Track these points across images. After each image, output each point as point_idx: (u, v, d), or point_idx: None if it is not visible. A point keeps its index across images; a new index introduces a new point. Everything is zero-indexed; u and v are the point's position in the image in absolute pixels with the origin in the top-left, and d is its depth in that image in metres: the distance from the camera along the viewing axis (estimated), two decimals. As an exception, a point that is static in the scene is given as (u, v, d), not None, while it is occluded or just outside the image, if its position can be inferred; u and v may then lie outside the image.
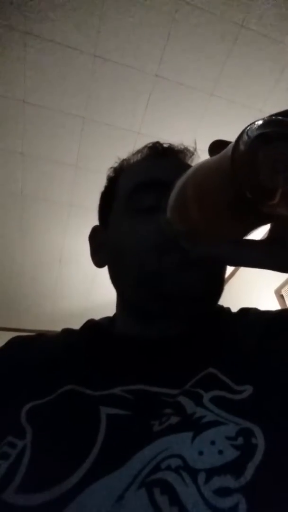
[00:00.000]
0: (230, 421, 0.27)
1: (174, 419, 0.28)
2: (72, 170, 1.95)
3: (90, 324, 0.46)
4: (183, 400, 0.30)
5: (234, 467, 0.24)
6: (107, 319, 0.49)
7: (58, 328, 0.49)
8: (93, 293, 2.81)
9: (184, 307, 0.38)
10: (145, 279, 0.38)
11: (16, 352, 0.43)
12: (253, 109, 1.72)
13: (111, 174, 0.50)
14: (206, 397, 0.30)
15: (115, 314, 0.48)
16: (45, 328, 2.96)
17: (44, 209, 2.16)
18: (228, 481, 0.23)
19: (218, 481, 0.23)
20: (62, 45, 1.44)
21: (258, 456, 0.25)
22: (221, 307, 0.46)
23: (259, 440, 0.26)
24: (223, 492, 0.23)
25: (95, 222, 0.52)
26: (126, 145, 1.65)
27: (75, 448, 0.28)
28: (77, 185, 2.02)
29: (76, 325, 0.47)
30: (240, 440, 0.26)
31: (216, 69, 1.56)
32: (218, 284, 0.41)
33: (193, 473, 0.24)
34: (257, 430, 0.26)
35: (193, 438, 0.26)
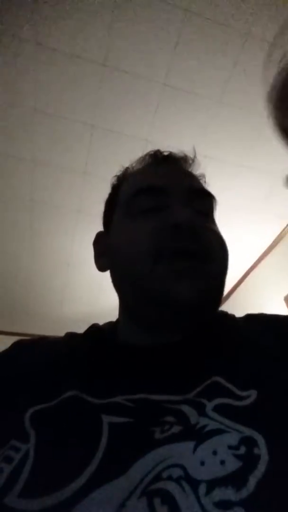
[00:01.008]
0: (233, 429, 0.27)
1: (176, 428, 0.28)
2: (80, 177, 1.97)
3: (94, 330, 0.46)
4: (186, 409, 0.30)
5: (236, 479, 0.24)
6: (110, 324, 0.49)
7: (64, 332, 0.49)
8: (101, 298, 2.81)
9: (180, 316, 0.37)
10: (138, 286, 0.38)
11: (20, 356, 0.44)
12: (263, 116, 1.72)
13: (115, 182, 0.51)
14: (210, 406, 0.29)
15: (118, 319, 0.48)
16: (52, 333, 2.96)
17: (53, 215, 2.19)
18: (229, 493, 0.23)
19: (219, 493, 0.23)
20: (72, 55, 1.47)
21: (260, 468, 0.24)
22: (225, 313, 0.46)
23: (262, 450, 0.25)
24: (223, 505, 0.22)
25: (102, 228, 0.53)
26: (134, 153, 1.67)
27: (78, 454, 0.28)
28: (86, 192, 2.04)
29: (83, 330, 0.48)
30: (242, 450, 0.25)
31: (223, 76, 1.57)
32: (214, 294, 0.39)
33: (194, 483, 0.24)
34: (260, 439, 0.26)
35: (195, 447, 0.26)
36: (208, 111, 1.70)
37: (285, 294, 2.29)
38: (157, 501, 0.23)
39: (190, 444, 0.26)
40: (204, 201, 0.44)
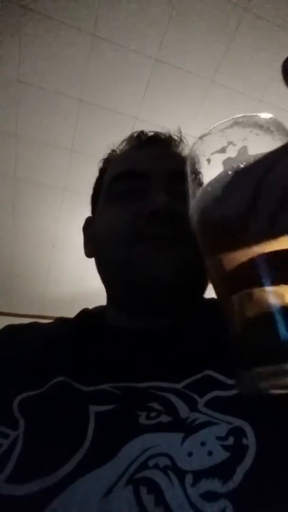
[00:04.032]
0: (222, 421, 0.27)
1: (165, 418, 0.28)
2: (67, 154, 1.91)
3: (83, 314, 0.46)
4: (174, 399, 0.30)
5: (223, 470, 0.24)
6: (100, 309, 0.49)
7: (49, 312, 0.49)
8: (86, 278, 2.80)
9: (159, 296, 0.37)
10: (116, 271, 0.39)
11: (8, 342, 0.43)
12: (254, 100, 1.70)
13: (101, 166, 0.51)
14: (201, 402, 0.29)
15: (107, 304, 0.48)
16: (36, 313, 2.95)
17: (38, 193, 2.12)
18: (215, 485, 0.23)
19: (205, 484, 0.23)
20: (60, 21, 1.38)
21: (248, 460, 0.24)
22: (216, 301, 0.45)
23: (250, 440, 0.25)
24: (210, 496, 0.23)
25: (89, 207, 0.51)
26: (123, 131, 1.62)
27: (66, 442, 0.28)
28: (72, 169, 1.99)
29: (68, 310, 0.47)
30: (230, 440, 0.25)
31: (217, 55, 1.52)
32: (191, 276, 0.38)
33: (180, 474, 0.24)
34: (248, 429, 0.26)
35: (184, 439, 0.26)
36: (200, 90, 1.65)
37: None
38: (143, 490, 0.24)
39: (179, 435, 0.26)
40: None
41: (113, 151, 0.51)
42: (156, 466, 0.25)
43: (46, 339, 0.42)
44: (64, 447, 0.27)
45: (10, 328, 0.47)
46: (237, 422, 0.26)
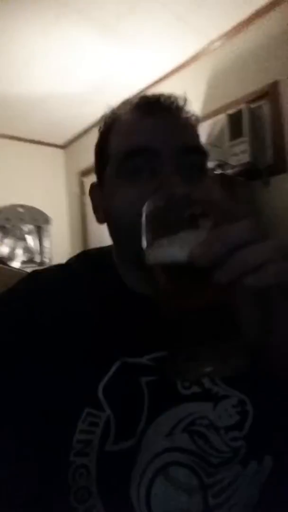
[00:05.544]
0: (233, 395, 0.43)
1: (196, 389, 0.42)
2: None
3: (95, 270, 0.49)
4: None
5: (239, 425, 0.42)
6: (105, 258, 0.51)
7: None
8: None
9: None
10: (130, 248, 0.39)
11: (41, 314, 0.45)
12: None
13: (102, 128, 0.50)
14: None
15: (110, 252, 0.51)
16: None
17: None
18: (236, 433, 0.41)
19: (231, 434, 0.41)
20: None
21: (250, 419, 0.42)
22: None
23: (249, 407, 0.42)
24: (233, 439, 0.41)
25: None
26: None
27: (134, 411, 0.41)
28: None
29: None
30: (239, 408, 0.42)
31: None
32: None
33: (217, 429, 0.41)
34: (248, 401, 0.42)
35: (214, 406, 0.42)
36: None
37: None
38: (195, 436, 0.40)
39: (210, 404, 0.42)
40: (196, 157, 0.45)
41: (114, 112, 0.49)
42: (201, 424, 0.41)
43: (79, 311, 0.45)
44: (132, 412, 0.41)
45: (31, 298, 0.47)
46: (241, 396, 0.43)
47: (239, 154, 1.94)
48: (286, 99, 1.85)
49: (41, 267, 0.68)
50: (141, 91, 2.68)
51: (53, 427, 0.40)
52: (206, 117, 2.21)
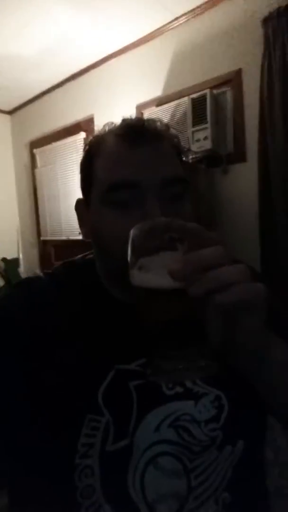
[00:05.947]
0: (210, 391, 0.47)
1: (178, 389, 0.47)
2: None
3: (76, 279, 0.52)
4: None
5: (216, 418, 0.46)
6: (88, 268, 0.53)
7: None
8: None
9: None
10: (115, 271, 0.43)
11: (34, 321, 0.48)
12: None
13: (87, 148, 0.51)
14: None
15: (93, 262, 0.53)
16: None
17: None
18: (214, 425, 0.46)
19: (210, 425, 0.46)
20: None
21: (225, 412, 0.47)
22: None
23: (225, 402, 0.47)
24: (212, 430, 0.46)
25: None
26: None
27: (128, 413, 0.45)
28: None
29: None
30: (216, 403, 0.47)
31: None
32: None
33: (198, 422, 0.46)
34: (223, 396, 0.47)
35: (195, 404, 0.47)
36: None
37: (138, 103, 2.33)
38: (180, 430, 0.45)
39: (192, 402, 0.46)
40: (177, 188, 0.47)
41: (98, 137, 0.51)
42: (184, 420, 0.46)
43: (71, 321, 0.48)
44: (125, 414, 0.45)
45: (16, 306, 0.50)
46: (217, 392, 0.47)
47: (201, 140, 1.97)
48: (248, 88, 1.89)
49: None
50: (97, 62, 2.54)
51: (59, 434, 0.43)
52: (169, 98, 2.18)
